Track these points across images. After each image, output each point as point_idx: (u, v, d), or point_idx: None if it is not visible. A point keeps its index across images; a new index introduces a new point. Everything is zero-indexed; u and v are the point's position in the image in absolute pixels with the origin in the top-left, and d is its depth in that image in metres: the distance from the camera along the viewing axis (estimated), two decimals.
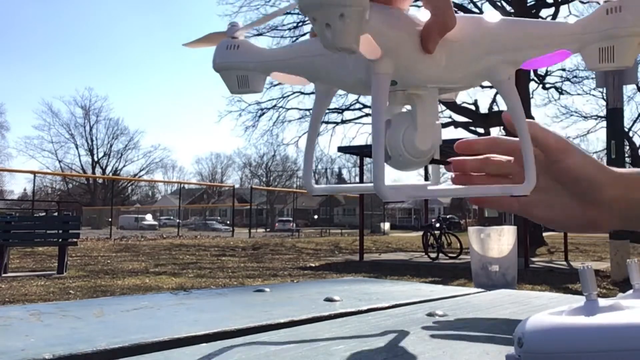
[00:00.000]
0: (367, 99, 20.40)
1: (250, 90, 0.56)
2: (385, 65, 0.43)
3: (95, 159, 50.86)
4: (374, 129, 0.44)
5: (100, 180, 49.15)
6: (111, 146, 51.86)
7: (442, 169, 0.62)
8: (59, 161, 49.37)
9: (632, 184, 0.55)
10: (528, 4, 17.98)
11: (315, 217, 54.59)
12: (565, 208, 0.59)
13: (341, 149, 14.11)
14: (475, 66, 0.48)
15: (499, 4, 18.33)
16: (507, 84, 0.47)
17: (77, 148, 50.62)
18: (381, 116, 0.44)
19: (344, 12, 0.36)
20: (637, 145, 25.20)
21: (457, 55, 0.46)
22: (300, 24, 19.20)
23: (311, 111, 0.56)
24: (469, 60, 0.47)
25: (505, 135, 0.65)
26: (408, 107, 0.51)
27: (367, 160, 14.38)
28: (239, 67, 0.55)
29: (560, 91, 21.35)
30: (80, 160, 50.62)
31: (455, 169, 0.64)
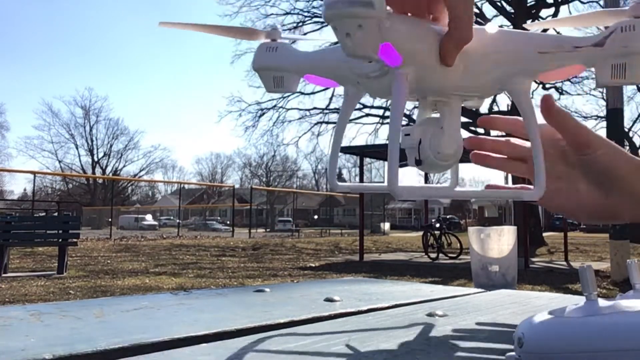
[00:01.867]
0: (366, 100, 20.38)
1: (285, 90, 0.61)
2: (405, 71, 0.45)
3: (95, 159, 50.90)
4: (391, 130, 0.46)
5: (100, 181, 49.16)
6: (111, 146, 51.89)
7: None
8: (59, 161, 49.41)
9: None
10: (528, 4, 17.97)
11: (315, 217, 54.60)
12: (585, 197, 0.57)
13: (341, 149, 14.06)
14: (492, 76, 0.50)
15: (499, 4, 18.33)
16: (524, 95, 0.49)
17: (77, 148, 50.66)
18: (398, 120, 0.46)
19: (362, 24, 0.39)
20: (637, 145, 25.19)
21: (475, 66, 0.48)
22: (300, 24, 19.20)
23: (339, 113, 0.59)
24: (486, 71, 0.49)
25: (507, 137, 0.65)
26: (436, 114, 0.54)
27: (367, 160, 14.38)
28: (276, 69, 0.60)
29: (561, 91, 21.33)
30: (80, 161, 50.67)
31: (472, 146, 0.63)
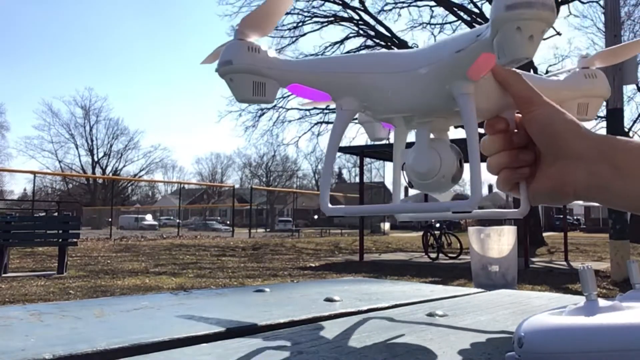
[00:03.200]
0: None
1: (265, 100, 0.54)
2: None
3: (95, 159, 50.86)
4: (326, 151, 0.54)
5: (100, 180, 49.12)
6: (111, 146, 51.84)
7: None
8: (59, 161, 49.37)
9: (606, 146, 0.49)
10: None
11: (315, 217, 54.60)
12: (544, 174, 0.52)
13: (341, 149, 14.07)
14: (434, 92, 0.52)
15: None
16: (461, 98, 0.50)
17: (77, 148, 50.60)
18: (334, 141, 0.54)
19: (544, 29, 0.42)
20: None
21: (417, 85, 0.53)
22: (300, 24, 19.19)
23: (332, 130, 0.54)
24: (425, 87, 0.53)
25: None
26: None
27: (367, 160, 14.37)
28: (258, 72, 0.53)
29: None
30: (80, 161, 50.63)
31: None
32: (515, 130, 0.54)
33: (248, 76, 0.53)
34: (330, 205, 0.55)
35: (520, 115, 0.54)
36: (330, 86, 0.54)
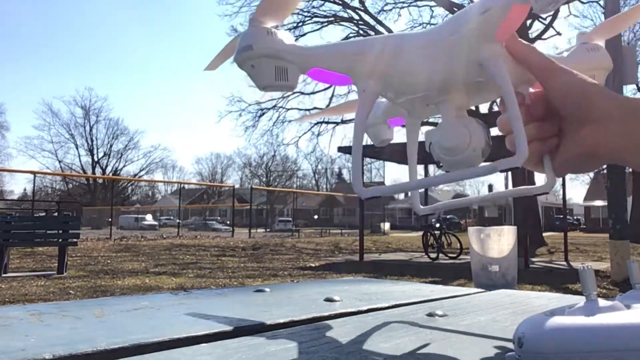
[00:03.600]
0: None
1: (288, 86, 0.52)
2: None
3: (95, 159, 50.87)
4: (354, 133, 0.52)
5: (100, 180, 49.13)
6: (111, 146, 51.85)
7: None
8: (59, 161, 49.38)
9: (634, 103, 0.48)
10: None
11: (315, 217, 54.57)
12: (572, 141, 0.51)
13: (341, 149, 14.07)
14: (462, 58, 0.53)
15: None
16: (492, 61, 0.50)
17: (77, 148, 50.61)
18: (360, 124, 0.53)
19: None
20: None
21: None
22: (300, 24, 19.18)
23: (356, 116, 0.53)
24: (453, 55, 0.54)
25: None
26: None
27: (367, 160, 14.36)
28: (280, 57, 0.51)
29: None
30: (80, 160, 50.64)
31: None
32: (530, 105, 0.53)
33: (270, 60, 0.51)
34: (364, 188, 0.54)
35: (534, 90, 0.54)
36: (352, 68, 0.53)
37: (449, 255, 11.50)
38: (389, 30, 18.58)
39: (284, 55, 0.51)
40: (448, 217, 35.90)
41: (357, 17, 19.00)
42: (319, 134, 21.72)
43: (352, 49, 0.53)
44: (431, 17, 19.52)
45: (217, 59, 0.58)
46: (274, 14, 0.52)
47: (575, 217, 49.97)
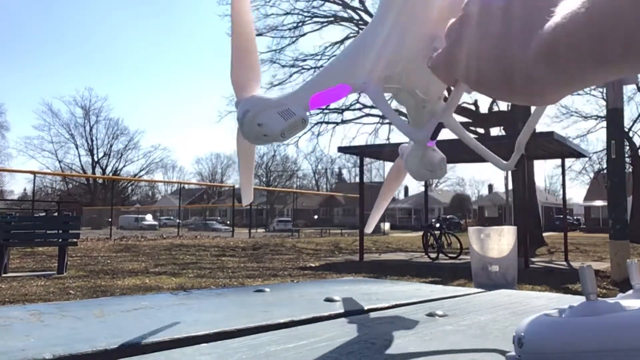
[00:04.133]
0: (366, 100, 20.32)
1: (298, 120, 0.55)
2: None
3: (95, 159, 50.85)
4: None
5: (100, 180, 49.10)
6: (111, 146, 51.82)
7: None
8: (59, 161, 49.36)
9: None
10: None
11: (315, 217, 54.56)
12: None
13: (341, 149, 14.06)
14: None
15: None
16: None
17: (77, 148, 50.59)
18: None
19: None
20: (637, 145, 25.17)
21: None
22: (300, 24, 19.19)
23: (380, 108, 0.58)
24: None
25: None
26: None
27: (367, 160, 14.36)
28: (279, 104, 0.55)
29: None
30: (80, 161, 50.61)
31: None
32: None
33: (270, 110, 0.54)
34: (416, 129, 0.64)
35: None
36: (349, 72, 0.56)
37: (449, 255, 11.50)
38: None
39: (281, 100, 0.54)
40: (448, 217, 35.89)
41: (357, 17, 19.00)
42: (319, 134, 21.71)
43: (340, 60, 0.57)
44: None
45: (245, 185, 0.64)
46: (245, 79, 0.55)
47: (575, 217, 49.97)
